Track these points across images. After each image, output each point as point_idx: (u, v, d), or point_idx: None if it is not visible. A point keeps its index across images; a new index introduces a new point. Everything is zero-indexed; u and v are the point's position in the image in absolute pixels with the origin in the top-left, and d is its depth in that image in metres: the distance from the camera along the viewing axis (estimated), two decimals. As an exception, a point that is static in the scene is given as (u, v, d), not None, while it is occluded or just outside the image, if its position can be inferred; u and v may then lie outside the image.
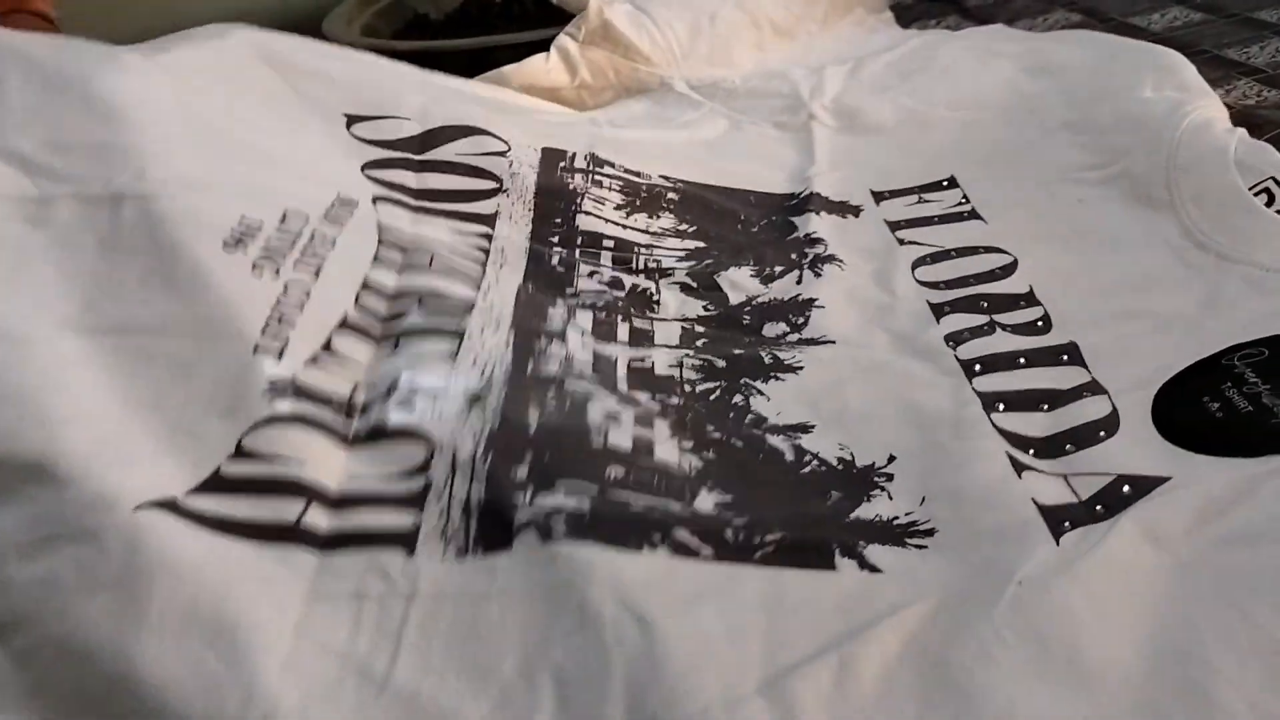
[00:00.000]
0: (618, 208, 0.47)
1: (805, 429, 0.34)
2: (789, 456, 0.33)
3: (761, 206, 0.49)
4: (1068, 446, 0.32)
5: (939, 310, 0.39)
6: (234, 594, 0.25)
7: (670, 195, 0.49)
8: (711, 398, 0.35)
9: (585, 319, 0.38)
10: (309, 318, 0.32)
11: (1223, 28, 0.64)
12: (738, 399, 0.35)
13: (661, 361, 0.37)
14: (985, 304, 0.39)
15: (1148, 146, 0.44)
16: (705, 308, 0.41)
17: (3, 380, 0.26)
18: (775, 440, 0.33)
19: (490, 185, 0.45)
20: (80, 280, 0.30)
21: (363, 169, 0.42)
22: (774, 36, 0.67)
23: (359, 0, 0.75)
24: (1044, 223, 0.44)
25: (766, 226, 0.47)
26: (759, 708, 0.24)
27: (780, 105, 0.57)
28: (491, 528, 0.28)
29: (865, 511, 0.30)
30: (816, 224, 0.46)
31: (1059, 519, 0.29)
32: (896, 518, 0.30)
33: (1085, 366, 0.35)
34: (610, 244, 0.44)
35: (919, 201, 0.48)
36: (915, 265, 0.43)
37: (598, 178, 0.48)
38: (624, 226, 0.46)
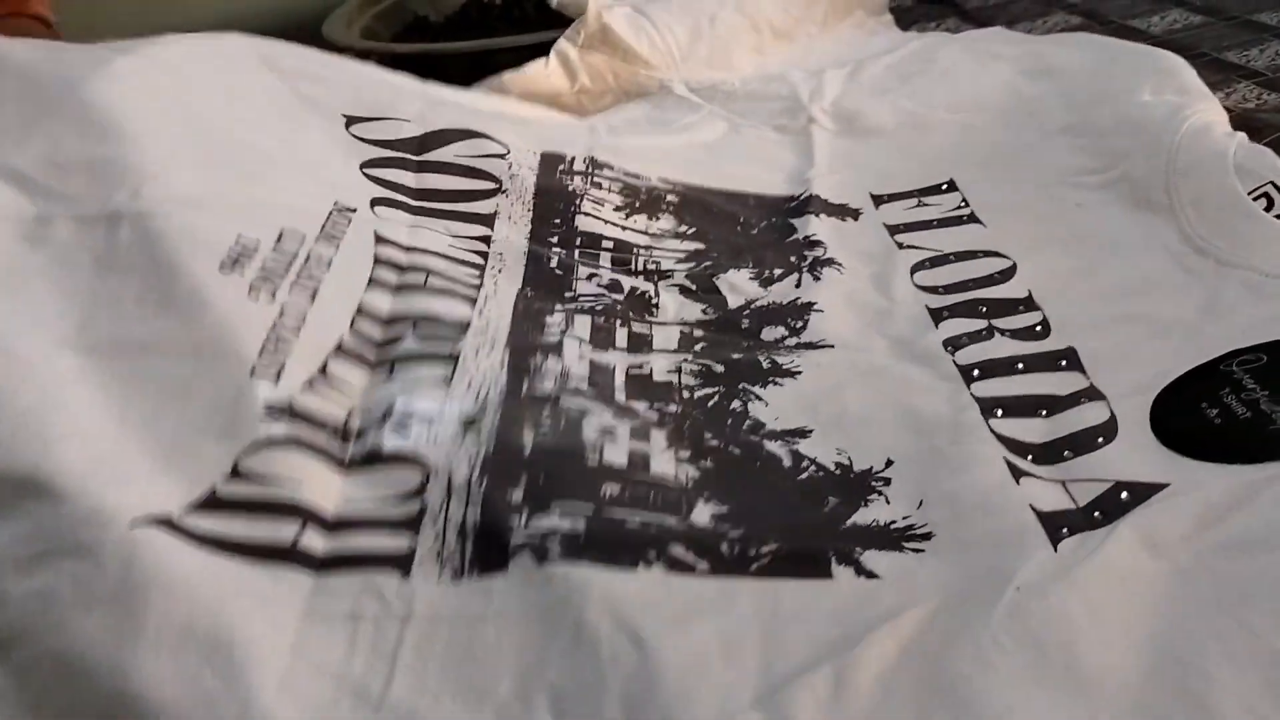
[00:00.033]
0: (617, 209, 0.47)
1: (803, 434, 0.34)
2: (787, 462, 0.33)
3: (761, 209, 0.49)
4: (1066, 453, 0.32)
5: (937, 315, 0.39)
6: (230, 611, 0.25)
7: (670, 197, 0.49)
8: (710, 404, 0.35)
9: (583, 326, 0.38)
10: (305, 342, 0.32)
11: (1222, 30, 0.64)
12: (736, 404, 0.35)
13: (660, 367, 0.37)
14: (984, 309, 0.39)
15: (1147, 150, 0.44)
16: (704, 311, 0.41)
17: (1, 396, 0.26)
18: (773, 446, 0.33)
19: (489, 185, 0.45)
20: (77, 299, 0.30)
21: (361, 168, 0.42)
22: (773, 39, 0.67)
23: (359, 3, 0.75)
24: (1043, 226, 0.44)
25: (766, 229, 0.47)
26: None
27: (779, 108, 0.57)
28: (487, 550, 0.28)
29: (862, 517, 0.30)
30: (816, 226, 0.46)
31: (1057, 525, 0.29)
32: (894, 522, 0.30)
33: (1084, 372, 0.35)
34: (609, 245, 0.44)
35: (918, 205, 0.48)
36: (914, 269, 0.43)
37: (597, 180, 0.48)
38: (623, 228, 0.46)
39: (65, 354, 0.29)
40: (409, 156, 0.45)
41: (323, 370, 0.32)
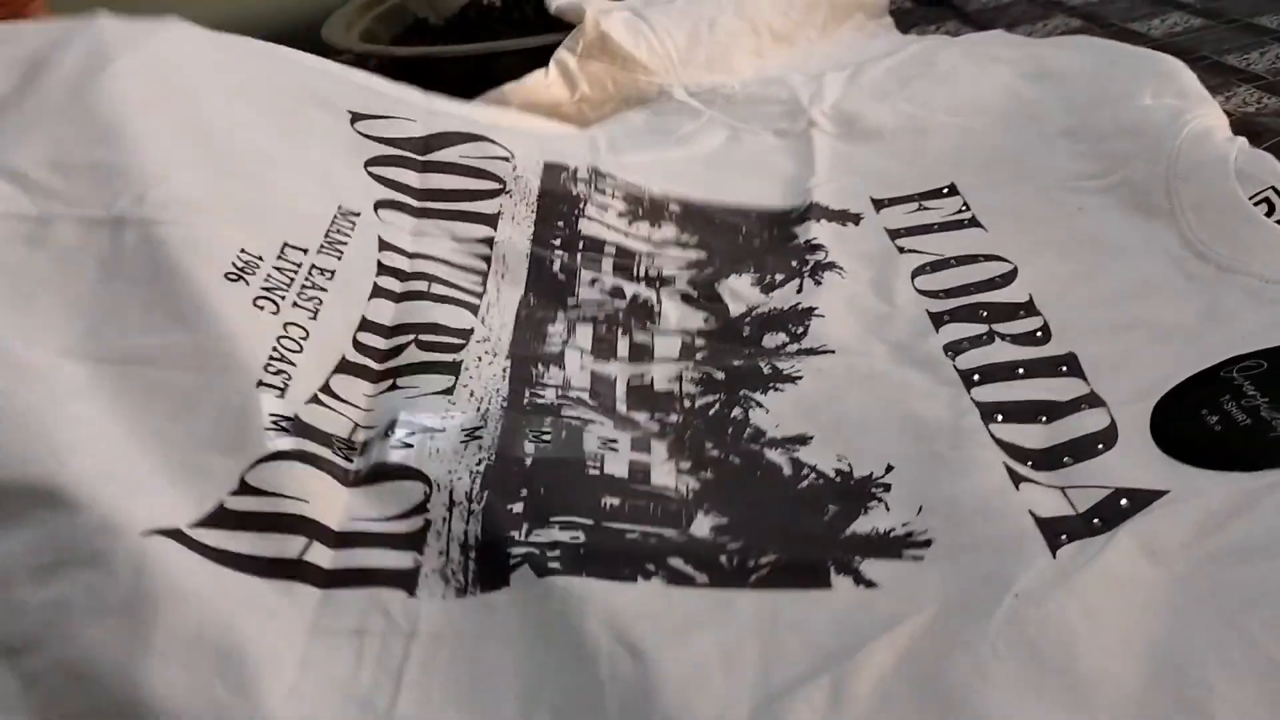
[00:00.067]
0: (620, 215, 0.47)
1: (803, 440, 0.34)
2: (787, 471, 0.33)
3: (762, 221, 0.49)
4: (1065, 459, 0.32)
5: (938, 319, 0.39)
6: (239, 622, 0.25)
7: (672, 207, 0.49)
8: (710, 412, 0.35)
9: (585, 336, 0.38)
10: (308, 357, 0.32)
11: (1223, 34, 0.63)
12: (736, 412, 0.35)
13: (661, 376, 0.37)
14: (984, 313, 0.39)
15: (1148, 155, 0.44)
16: (705, 320, 0.41)
17: (8, 406, 0.27)
18: (773, 455, 0.33)
19: (493, 186, 0.45)
20: (81, 306, 0.30)
21: (366, 165, 0.42)
22: (773, 43, 0.67)
23: (358, 5, 0.75)
24: (1044, 230, 0.44)
25: (767, 237, 0.47)
26: None
27: (780, 112, 0.57)
28: (489, 565, 0.28)
29: (862, 525, 0.30)
30: (817, 230, 0.46)
31: (1056, 531, 0.29)
32: (893, 529, 0.30)
33: (1084, 378, 0.35)
34: (612, 250, 0.44)
35: (919, 209, 0.48)
36: (915, 274, 0.43)
37: (600, 187, 0.48)
38: (626, 234, 0.46)
39: (73, 363, 0.29)
40: (414, 156, 0.45)
41: (328, 382, 0.32)
